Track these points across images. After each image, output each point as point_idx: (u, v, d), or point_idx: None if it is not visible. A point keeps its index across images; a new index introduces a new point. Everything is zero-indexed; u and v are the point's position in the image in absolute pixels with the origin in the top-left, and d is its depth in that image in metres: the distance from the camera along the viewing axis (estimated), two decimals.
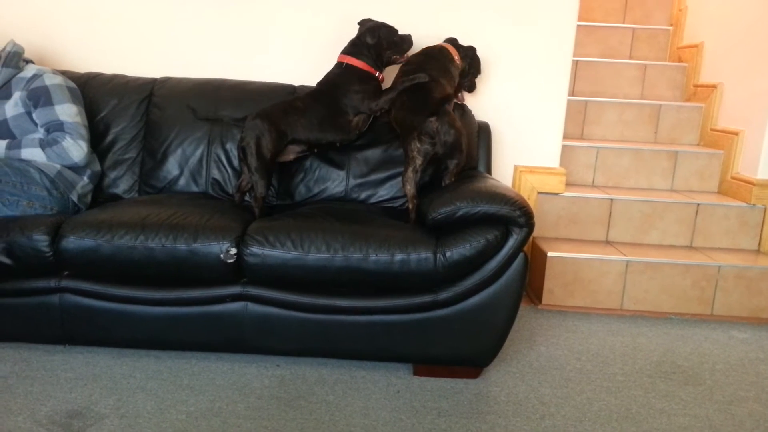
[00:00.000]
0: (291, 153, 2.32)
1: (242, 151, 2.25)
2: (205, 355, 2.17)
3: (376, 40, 2.35)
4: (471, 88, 2.62)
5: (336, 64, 2.40)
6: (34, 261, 1.96)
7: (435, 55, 2.40)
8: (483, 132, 2.57)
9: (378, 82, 2.37)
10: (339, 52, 2.40)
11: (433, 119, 2.09)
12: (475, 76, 2.61)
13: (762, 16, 3.01)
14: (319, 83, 2.39)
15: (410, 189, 2.17)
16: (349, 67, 2.34)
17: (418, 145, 2.13)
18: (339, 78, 2.35)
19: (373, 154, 2.46)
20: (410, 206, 2.18)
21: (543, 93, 2.82)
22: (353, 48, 2.36)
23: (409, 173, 2.16)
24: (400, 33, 2.41)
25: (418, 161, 2.15)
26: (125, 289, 2.00)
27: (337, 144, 2.36)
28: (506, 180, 2.91)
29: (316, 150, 2.38)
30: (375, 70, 2.36)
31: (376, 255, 1.91)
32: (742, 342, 2.53)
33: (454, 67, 2.42)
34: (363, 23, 2.43)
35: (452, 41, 2.52)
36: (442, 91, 2.24)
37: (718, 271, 2.74)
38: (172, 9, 2.74)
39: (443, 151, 2.16)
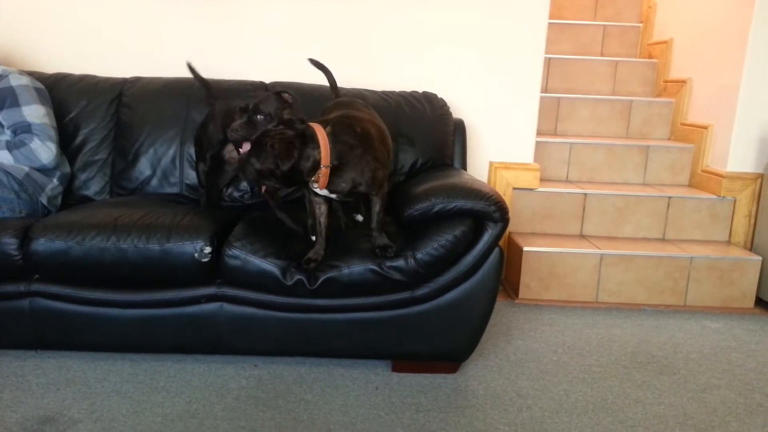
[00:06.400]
0: (228, 153, 2.26)
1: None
2: (181, 356, 2.14)
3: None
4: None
5: None
6: (3, 265, 1.91)
7: None
8: (458, 128, 2.58)
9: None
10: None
11: None
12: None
13: (728, 12, 3.07)
14: None
15: None
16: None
17: None
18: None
19: None
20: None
21: (516, 90, 2.84)
22: None
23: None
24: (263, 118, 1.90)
25: None
26: (97, 292, 1.96)
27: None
28: (482, 176, 2.93)
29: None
30: None
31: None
32: (714, 331, 2.58)
33: None
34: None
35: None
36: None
37: (690, 262, 2.78)
38: (143, 8, 2.71)
39: None
